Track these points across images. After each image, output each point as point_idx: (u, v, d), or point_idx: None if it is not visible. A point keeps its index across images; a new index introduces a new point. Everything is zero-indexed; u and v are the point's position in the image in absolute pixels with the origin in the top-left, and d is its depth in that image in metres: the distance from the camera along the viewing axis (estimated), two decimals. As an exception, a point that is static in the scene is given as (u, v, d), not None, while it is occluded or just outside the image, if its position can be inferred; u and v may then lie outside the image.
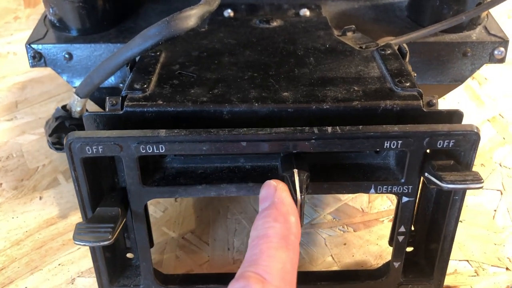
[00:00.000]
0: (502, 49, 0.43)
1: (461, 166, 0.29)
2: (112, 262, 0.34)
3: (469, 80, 0.56)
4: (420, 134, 0.28)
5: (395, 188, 0.31)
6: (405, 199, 0.31)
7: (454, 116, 0.30)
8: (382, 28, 0.44)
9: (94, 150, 0.28)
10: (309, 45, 0.37)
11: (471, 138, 0.28)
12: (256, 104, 0.30)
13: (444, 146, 0.29)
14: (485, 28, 0.44)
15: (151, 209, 0.42)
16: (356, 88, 0.31)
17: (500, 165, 0.45)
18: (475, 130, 0.28)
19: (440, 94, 0.47)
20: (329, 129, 0.28)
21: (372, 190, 0.31)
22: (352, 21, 0.45)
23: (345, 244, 0.39)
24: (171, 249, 0.39)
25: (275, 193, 0.28)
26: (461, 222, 0.40)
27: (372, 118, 0.30)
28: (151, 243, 0.37)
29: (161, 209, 0.42)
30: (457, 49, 0.43)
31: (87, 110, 0.39)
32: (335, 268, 0.37)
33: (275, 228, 0.27)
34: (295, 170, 0.28)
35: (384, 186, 0.31)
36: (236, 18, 0.44)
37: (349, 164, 0.32)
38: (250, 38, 0.39)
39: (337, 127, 0.28)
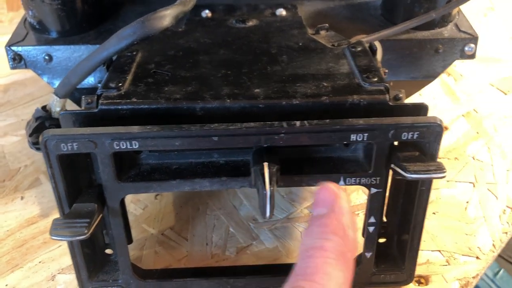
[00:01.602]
0: (472, 45, 0.44)
1: (426, 157, 0.30)
2: (91, 258, 0.35)
3: (444, 77, 0.57)
4: (384, 126, 0.29)
5: (363, 179, 0.32)
6: (373, 190, 0.32)
7: (420, 109, 0.31)
8: (356, 27, 0.45)
9: (69, 147, 0.29)
10: (283, 43, 0.38)
11: (435, 130, 0.29)
12: (228, 100, 0.31)
13: (409, 138, 0.30)
14: (456, 25, 0.45)
15: (131, 207, 0.42)
16: (325, 84, 0.32)
17: (473, 159, 0.47)
18: (438, 122, 0.29)
19: (414, 90, 0.48)
20: (298, 123, 0.29)
21: (342, 182, 0.32)
22: (327, 20, 0.46)
23: (321, 237, 0.40)
24: (151, 245, 0.39)
25: (336, 201, 0.27)
26: (434, 214, 0.42)
27: (340, 113, 0.31)
28: (130, 239, 0.37)
29: (141, 206, 0.43)
30: (429, 45, 0.44)
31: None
32: (311, 260, 0.38)
33: (333, 242, 0.25)
34: (265, 163, 0.29)
35: (353, 178, 0.32)
36: (213, 19, 0.45)
37: (319, 157, 0.33)
38: (226, 37, 0.40)
39: (305, 121, 0.29)
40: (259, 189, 0.29)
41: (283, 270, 0.36)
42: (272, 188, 0.28)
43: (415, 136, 0.29)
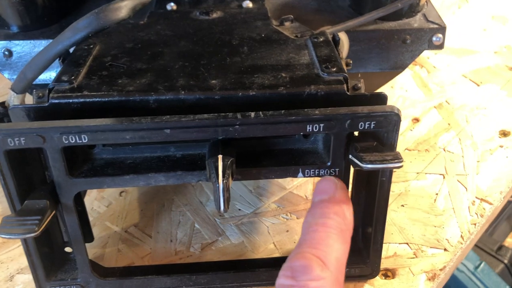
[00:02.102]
0: (440, 35, 0.44)
1: (385, 147, 0.30)
2: (49, 257, 0.34)
3: (417, 68, 0.57)
4: (340, 116, 0.29)
5: (322, 171, 0.31)
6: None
7: (378, 98, 0.30)
8: (323, 18, 0.45)
9: (17, 142, 0.28)
10: (245, 35, 0.38)
11: (392, 119, 0.29)
12: (183, 92, 0.30)
13: (366, 128, 0.29)
14: (424, 15, 0.45)
15: (95, 204, 0.42)
16: (283, 75, 0.32)
17: (444, 150, 0.46)
18: (395, 111, 0.29)
19: (383, 81, 0.47)
20: (252, 114, 0.28)
21: (300, 174, 0.31)
22: (294, 12, 0.45)
23: (287, 231, 0.39)
24: (114, 243, 0.39)
25: (336, 189, 0.30)
26: (403, 206, 0.41)
27: (298, 103, 0.30)
28: (90, 237, 0.37)
29: (105, 204, 0.42)
30: (396, 36, 0.43)
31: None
32: (276, 255, 0.38)
33: (335, 220, 0.28)
34: (220, 156, 0.28)
35: (312, 170, 0.31)
36: (177, 11, 0.44)
37: (278, 149, 0.32)
38: (188, 29, 0.39)
39: (260, 112, 0.29)
40: (213, 183, 0.28)
41: (247, 265, 0.36)
42: (225, 181, 0.28)
43: (372, 125, 0.29)
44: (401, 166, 0.29)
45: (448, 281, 0.81)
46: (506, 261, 0.88)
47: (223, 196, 0.28)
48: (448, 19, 0.65)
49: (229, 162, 0.28)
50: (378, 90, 0.51)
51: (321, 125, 0.29)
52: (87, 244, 0.37)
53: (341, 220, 0.28)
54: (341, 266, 0.27)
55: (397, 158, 0.29)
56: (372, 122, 0.29)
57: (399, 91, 0.53)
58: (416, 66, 0.57)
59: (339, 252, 0.27)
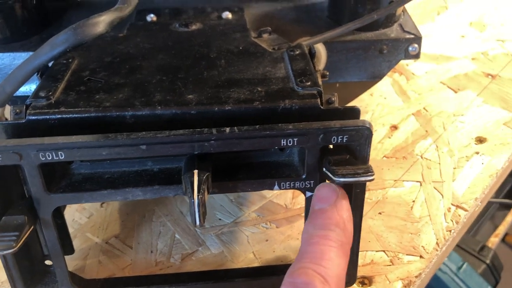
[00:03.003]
0: (416, 45, 0.44)
1: (358, 160, 0.31)
2: (29, 270, 0.34)
3: (396, 76, 0.58)
4: (313, 131, 0.29)
5: (297, 183, 0.32)
6: (308, 193, 0.32)
7: (352, 112, 0.31)
8: (302, 29, 0.45)
9: (-6, 159, 0.28)
10: (223, 47, 0.38)
11: (364, 133, 0.30)
12: (159, 107, 0.31)
13: (339, 141, 0.30)
14: (401, 25, 0.45)
15: (76, 216, 0.42)
16: (259, 89, 0.32)
17: (421, 157, 0.47)
18: (367, 125, 0.30)
19: (361, 91, 0.48)
20: (227, 129, 0.29)
21: (276, 187, 0.32)
22: (273, 23, 0.46)
23: (267, 240, 0.40)
24: (94, 254, 0.39)
25: (337, 198, 0.30)
26: (380, 214, 0.42)
27: (273, 118, 0.31)
28: (70, 249, 0.37)
29: (86, 215, 0.42)
30: (373, 46, 0.44)
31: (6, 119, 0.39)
32: (255, 264, 0.38)
33: (336, 233, 0.29)
34: (195, 171, 0.29)
35: (287, 182, 0.32)
36: (157, 23, 0.44)
37: (255, 162, 0.33)
38: (167, 42, 0.39)
39: (235, 128, 0.29)
40: (189, 197, 0.29)
41: (227, 275, 0.36)
42: (201, 196, 0.28)
43: (345, 139, 0.30)
44: (372, 180, 0.29)
45: (431, 282, 0.82)
46: (488, 261, 0.89)
47: (199, 211, 0.28)
48: (428, 26, 0.67)
49: (204, 177, 0.29)
50: (357, 99, 0.52)
51: (295, 139, 0.29)
52: (68, 256, 0.37)
53: (342, 232, 0.29)
54: (342, 282, 0.28)
55: (369, 171, 0.29)
56: (345, 136, 0.29)
57: (378, 98, 0.54)
58: (395, 73, 0.58)
59: (340, 267, 0.28)
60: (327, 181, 0.31)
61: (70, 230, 0.41)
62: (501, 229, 1.21)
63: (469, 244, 0.92)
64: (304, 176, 0.31)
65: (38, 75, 0.35)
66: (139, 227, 0.41)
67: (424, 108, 0.53)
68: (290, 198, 0.43)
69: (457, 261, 0.84)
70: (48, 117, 0.30)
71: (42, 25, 0.46)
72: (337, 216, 0.29)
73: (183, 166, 0.31)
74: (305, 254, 0.28)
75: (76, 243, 0.39)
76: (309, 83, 0.32)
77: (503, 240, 1.29)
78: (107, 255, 0.39)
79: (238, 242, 0.40)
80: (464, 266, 0.84)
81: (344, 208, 0.30)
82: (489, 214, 1.21)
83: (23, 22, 0.44)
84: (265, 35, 0.41)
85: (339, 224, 0.29)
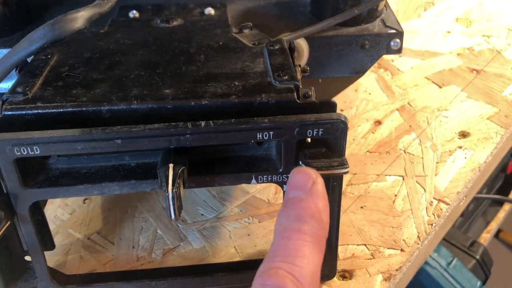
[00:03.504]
0: (397, 40, 0.45)
1: (334, 153, 0.31)
2: (8, 266, 0.34)
3: (381, 71, 0.58)
4: (289, 124, 0.29)
5: (275, 177, 0.32)
6: (285, 187, 0.32)
7: (328, 106, 0.31)
8: (284, 25, 0.45)
9: (-32, 155, 0.28)
10: (203, 43, 0.38)
11: (339, 127, 0.30)
12: (135, 102, 0.31)
13: (315, 135, 0.30)
14: (382, 20, 0.46)
15: (58, 212, 0.42)
16: (237, 83, 0.32)
17: (405, 152, 0.47)
18: (342, 119, 0.30)
19: (344, 86, 0.49)
20: (203, 123, 0.29)
21: (254, 181, 0.32)
22: (256, 19, 0.46)
23: (249, 235, 0.40)
24: (76, 250, 0.39)
25: (313, 185, 0.28)
26: (362, 208, 0.42)
27: (249, 112, 0.31)
28: (51, 245, 0.37)
29: (68, 211, 0.42)
30: (355, 41, 0.44)
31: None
32: (237, 258, 0.38)
33: (310, 225, 0.27)
34: (170, 165, 0.29)
35: (265, 176, 0.32)
36: (138, 19, 0.44)
37: (232, 156, 0.33)
38: (147, 38, 0.39)
39: (211, 121, 0.29)
40: (164, 191, 0.29)
41: (207, 270, 0.37)
42: (175, 189, 0.28)
43: (320, 133, 0.30)
44: (346, 172, 0.29)
45: (421, 278, 0.83)
46: (478, 257, 0.90)
47: (173, 204, 0.28)
48: (414, 22, 0.67)
49: (180, 171, 0.29)
50: (341, 94, 0.52)
51: (271, 133, 0.29)
52: (49, 252, 0.38)
53: (317, 224, 0.27)
54: (316, 280, 0.26)
55: (343, 164, 0.29)
56: (320, 130, 0.30)
57: (362, 94, 0.54)
58: (380, 69, 0.58)
59: (314, 264, 0.26)
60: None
61: (52, 226, 0.41)
62: (493, 225, 1.21)
63: (459, 240, 0.92)
64: (281, 170, 0.31)
65: (17, 71, 0.35)
66: (121, 223, 0.41)
67: (408, 103, 0.53)
68: (273, 193, 0.44)
69: (446, 257, 0.84)
70: (24, 112, 0.30)
71: (24, 22, 0.46)
72: (312, 206, 0.27)
73: (159, 161, 0.31)
74: (277, 250, 0.26)
75: (58, 239, 0.39)
76: (286, 77, 0.32)
77: (496, 236, 1.30)
78: (89, 251, 0.39)
79: (220, 237, 0.40)
80: (454, 261, 0.84)
81: (319, 196, 0.28)
82: (480, 211, 1.22)
83: (4, 19, 0.44)
84: (246, 31, 0.41)
85: (314, 215, 0.27)
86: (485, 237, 1.18)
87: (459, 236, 0.93)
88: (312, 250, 0.26)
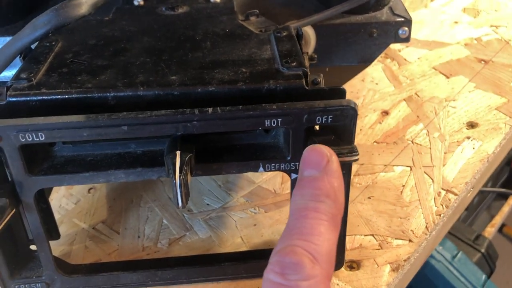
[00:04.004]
0: (406, 28, 0.44)
1: (343, 141, 0.30)
2: (13, 255, 0.34)
3: (388, 61, 0.57)
4: (297, 111, 0.29)
5: (282, 165, 0.31)
6: (293, 175, 0.31)
7: (337, 93, 0.31)
8: (290, 12, 0.45)
9: (-27, 141, 0.28)
10: (209, 30, 0.38)
11: (349, 113, 0.29)
12: (142, 88, 0.30)
13: (323, 122, 0.29)
14: (391, 8, 0.45)
15: (63, 201, 0.42)
16: (244, 70, 0.32)
17: (412, 142, 0.47)
18: (352, 105, 0.29)
19: (351, 75, 0.48)
20: (210, 110, 0.29)
21: (261, 169, 0.31)
22: (262, 6, 0.45)
23: (255, 225, 0.40)
24: (81, 240, 0.39)
25: (328, 164, 0.28)
26: (370, 198, 0.42)
27: (257, 98, 0.30)
28: (56, 234, 0.37)
29: (73, 201, 0.42)
30: (362, 30, 0.44)
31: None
32: (243, 248, 0.38)
33: (326, 204, 0.27)
34: (177, 152, 0.29)
35: (272, 164, 0.31)
36: (143, 6, 0.44)
37: (240, 144, 0.33)
38: (152, 25, 0.39)
39: (218, 108, 0.29)
40: (171, 179, 0.28)
41: (213, 260, 0.36)
42: (183, 177, 0.28)
43: (329, 120, 0.29)
44: (356, 160, 0.29)
45: (425, 271, 0.82)
46: (483, 250, 0.89)
47: (181, 192, 0.28)
48: (421, 12, 0.66)
49: (187, 158, 0.28)
50: (347, 83, 0.51)
51: (279, 120, 0.29)
52: (54, 242, 0.37)
53: (332, 203, 0.27)
54: (332, 258, 0.26)
55: (353, 151, 0.29)
56: (329, 116, 0.29)
57: (369, 84, 0.54)
58: (387, 59, 0.57)
59: (330, 242, 0.26)
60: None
61: (57, 216, 0.41)
62: (498, 219, 1.21)
63: (464, 233, 0.92)
64: (289, 158, 0.31)
65: (21, 58, 0.35)
66: (126, 213, 0.41)
67: (415, 94, 0.52)
68: (279, 183, 0.43)
69: (451, 250, 0.84)
70: (29, 98, 0.30)
71: (27, 9, 0.45)
72: (327, 185, 0.27)
73: (165, 148, 0.30)
74: (294, 229, 0.26)
75: (62, 229, 0.39)
76: (294, 63, 0.32)
77: (500, 231, 1.29)
78: (94, 241, 0.39)
79: (226, 227, 0.40)
80: (459, 255, 0.83)
81: (335, 175, 0.27)
82: (485, 204, 1.21)
83: (7, 7, 0.43)
84: (253, 18, 0.40)
85: (330, 195, 0.27)
86: (489, 231, 1.17)
87: (464, 229, 0.92)
88: (328, 229, 0.26)
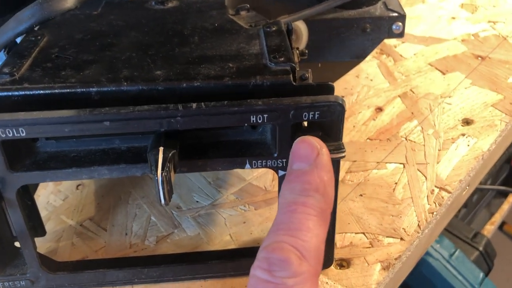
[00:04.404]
0: (399, 23, 0.43)
1: (330, 138, 0.30)
2: (-3, 252, 0.34)
3: (384, 57, 0.56)
4: (284, 107, 0.28)
5: (269, 162, 0.31)
6: (281, 172, 0.31)
7: (325, 88, 0.30)
8: (282, 7, 0.44)
9: (-47, 136, 0.28)
10: (198, 24, 0.37)
11: (336, 109, 0.29)
12: (125, 83, 0.30)
13: (310, 118, 0.29)
14: (384, 3, 0.44)
15: (51, 198, 0.41)
16: (231, 65, 0.31)
17: (406, 139, 0.46)
18: (339, 101, 0.29)
19: (345, 71, 0.47)
20: (194, 105, 0.28)
21: (248, 166, 0.31)
22: (253, 1, 0.45)
23: (244, 222, 0.39)
24: (68, 236, 0.38)
25: (318, 157, 0.27)
26: (361, 196, 0.41)
27: (243, 94, 0.30)
28: (42, 231, 0.36)
29: (61, 197, 0.41)
30: (356, 25, 0.43)
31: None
32: (232, 246, 0.38)
33: (315, 199, 0.26)
34: (160, 148, 0.28)
35: (259, 161, 0.31)
36: (133, 1, 0.43)
37: (226, 141, 0.32)
38: (141, 19, 0.38)
39: (202, 103, 0.28)
40: (153, 175, 0.28)
41: (201, 257, 0.36)
42: (165, 174, 0.27)
43: (317, 116, 0.29)
44: (343, 157, 0.28)
45: (422, 269, 0.82)
46: (481, 249, 0.88)
47: (163, 188, 0.27)
48: (418, 7, 0.65)
49: (170, 155, 0.28)
50: (341, 79, 0.51)
51: (265, 116, 0.28)
52: (40, 239, 0.37)
53: (322, 198, 0.26)
54: (320, 254, 0.26)
55: (340, 148, 0.28)
56: (316, 112, 0.29)
57: (364, 80, 0.53)
58: (382, 55, 0.57)
59: (319, 238, 0.26)
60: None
61: (44, 212, 0.40)
62: (497, 217, 1.20)
63: (462, 231, 0.91)
64: (276, 155, 0.30)
65: (5, 52, 0.34)
66: (114, 210, 0.40)
67: (410, 90, 0.52)
68: (270, 180, 0.43)
69: (449, 248, 0.83)
70: (11, 93, 0.29)
71: (16, 3, 0.45)
72: (317, 179, 0.26)
73: (149, 144, 0.30)
74: (281, 224, 0.26)
75: (49, 226, 0.39)
76: (282, 59, 0.31)
77: (500, 228, 1.29)
78: (81, 238, 0.38)
79: (215, 224, 0.39)
80: (457, 253, 0.83)
81: (325, 169, 0.27)
82: (484, 202, 1.20)
83: (-4, 0, 0.43)
84: (243, 12, 0.40)
85: (319, 189, 0.26)
86: (489, 229, 1.17)
87: (462, 227, 0.92)
88: (316, 224, 0.26)
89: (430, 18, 0.63)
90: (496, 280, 0.85)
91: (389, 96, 0.51)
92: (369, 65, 0.55)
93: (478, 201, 1.17)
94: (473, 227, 1.01)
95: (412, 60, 0.56)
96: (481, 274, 0.83)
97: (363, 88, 0.52)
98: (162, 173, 0.27)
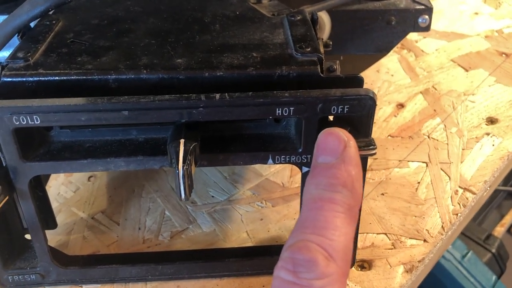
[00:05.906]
0: (426, 16, 0.42)
1: (359, 133, 0.28)
2: (7, 244, 0.32)
3: (405, 52, 0.55)
4: (311, 99, 0.27)
5: (293, 158, 0.29)
6: (305, 169, 0.29)
7: (354, 81, 0.28)
8: (304, -4, 0.43)
9: (-37, 123, 0.26)
10: (219, 12, 0.36)
11: (367, 103, 0.27)
12: (145, 71, 0.28)
13: (339, 112, 0.27)
14: (410, -5, 0.43)
15: (61, 189, 0.40)
16: (254, 55, 0.30)
17: (428, 137, 0.45)
18: (371, 95, 0.27)
19: (367, 65, 0.46)
20: (217, 96, 0.27)
21: (270, 161, 0.29)
22: (275, -11, 0.43)
23: (261, 219, 0.38)
24: (79, 230, 0.37)
25: (346, 149, 0.25)
26: (383, 195, 0.40)
27: (268, 85, 0.28)
28: (53, 224, 0.35)
29: (72, 189, 0.40)
30: (380, 17, 0.41)
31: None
32: (249, 244, 0.36)
33: (343, 195, 0.24)
34: (181, 140, 0.27)
35: (282, 156, 0.29)
36: (150, -13, 0.42)
37: (248, 134, 0.30)
38: (159, 5, 0.37)
39: (226, 94, 0.27)
40: (174, 168, 0.26)
41: (217, 255, 0.34)
42: (186, 167, 0.26)
43: (346, 110, 0.27)
44: (374, 154, 0.27)
45: (434, 270, 0.80)
46: (493, 251, 0.87)
47: (183, 183, 0.26)
48: (439, 2, 0.63)
49: (191, 147, 0.27)
50: (362, 74, 0.49)
51: (291, 108, 0.27)
52: (51, 231, 0.36)
53: (349, 194, 0.25)
54: (348, 254, 0.24)
55: (371, 145, 0.27)
56: (346, 106, 0.27)
57: (384, 75, 0.51)
58: (403, 50, 0.55)
59: (347, 237, 0.24)
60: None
61: (55, 204, 0.39)
62: (508, 219, 1.18)
63: (475, 233, 0.90)
64: (300, 150, 0.29)
65: (19, 37, 0.33)
66: (127, 203, 0.39)
67: (433, 87, 0.50)
68: (287, 177, 0.41)
69: (461, 249, 0.82)
70: (25, 79, 0.28)
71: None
72: (344, 174, 0.25)
73: (169, 136, 0.28)
74: (307, 222, 0.24)
75: (60, 218, 0.37)
76: (309, 49, 0.30)
77: (508, 231, 1.27)
78: (92, 231, 0.37)
79: (231, 220, 0.38)
80: (469, 254, 0.81)
81: (352, 162, 0.25)
82: (495, 203, 1.19)
83: (8, -16, 0.42)
84: (265, 1, 0.38)
85: (347, 184, 0.25)
86: (499, 231, 1.15)
87: (474, 229, 0.90)
88: (344, 222, 0.24)
89: (451, 13, 0.61)
90: (508, 283, 0.83)
91: (411, 92, 0.49)
92: (390, 60, 0.53)
93: (489, 202, 1.15)
94: (485, 228, 0.99)
95: (434, 56, 0.54)
96: (494, 277, 0.82)
97: (384, 83, 0.50)
98: (183, 167, 0.26)
